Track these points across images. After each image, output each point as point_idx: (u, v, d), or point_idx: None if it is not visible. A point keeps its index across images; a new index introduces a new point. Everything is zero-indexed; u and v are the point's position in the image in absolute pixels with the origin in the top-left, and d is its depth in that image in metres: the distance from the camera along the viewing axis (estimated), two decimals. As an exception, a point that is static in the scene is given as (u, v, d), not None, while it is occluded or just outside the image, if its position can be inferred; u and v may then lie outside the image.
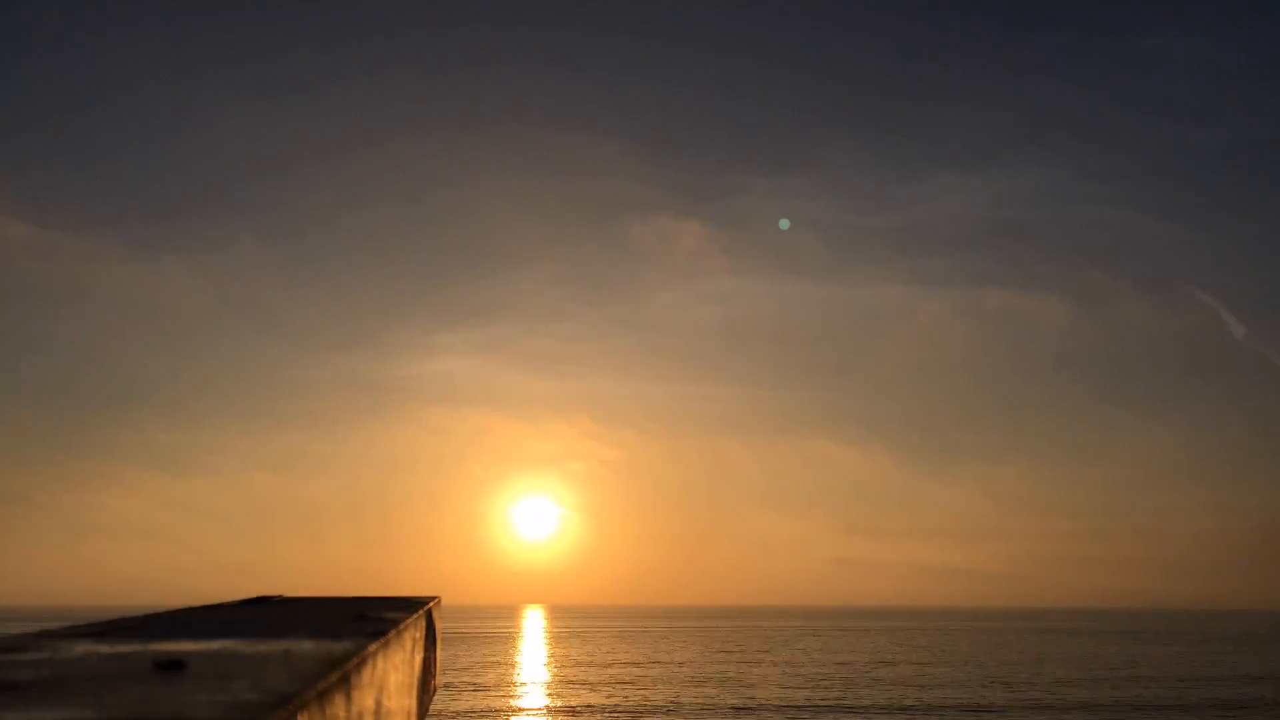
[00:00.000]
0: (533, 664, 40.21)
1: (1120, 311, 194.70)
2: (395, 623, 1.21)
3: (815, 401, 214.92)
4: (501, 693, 28.55)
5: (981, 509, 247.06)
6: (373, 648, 0.94)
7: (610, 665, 38.53)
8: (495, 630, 74.37)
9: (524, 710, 25.13)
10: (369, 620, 1.27)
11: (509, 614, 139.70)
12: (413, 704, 1.33)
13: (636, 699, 26.73)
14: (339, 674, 0.77)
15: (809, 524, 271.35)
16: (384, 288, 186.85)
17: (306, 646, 0.94)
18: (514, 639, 61.44)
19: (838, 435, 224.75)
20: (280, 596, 1.87)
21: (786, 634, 68.70)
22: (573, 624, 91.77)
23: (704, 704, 25.40)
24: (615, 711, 24.36)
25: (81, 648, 0.94)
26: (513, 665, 38.92)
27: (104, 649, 0.93)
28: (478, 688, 29.51)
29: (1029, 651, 49.34)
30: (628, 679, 32.72)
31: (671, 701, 25.99)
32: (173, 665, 0.80)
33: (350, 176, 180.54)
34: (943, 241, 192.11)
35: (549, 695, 28.33)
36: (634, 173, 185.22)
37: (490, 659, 41.66)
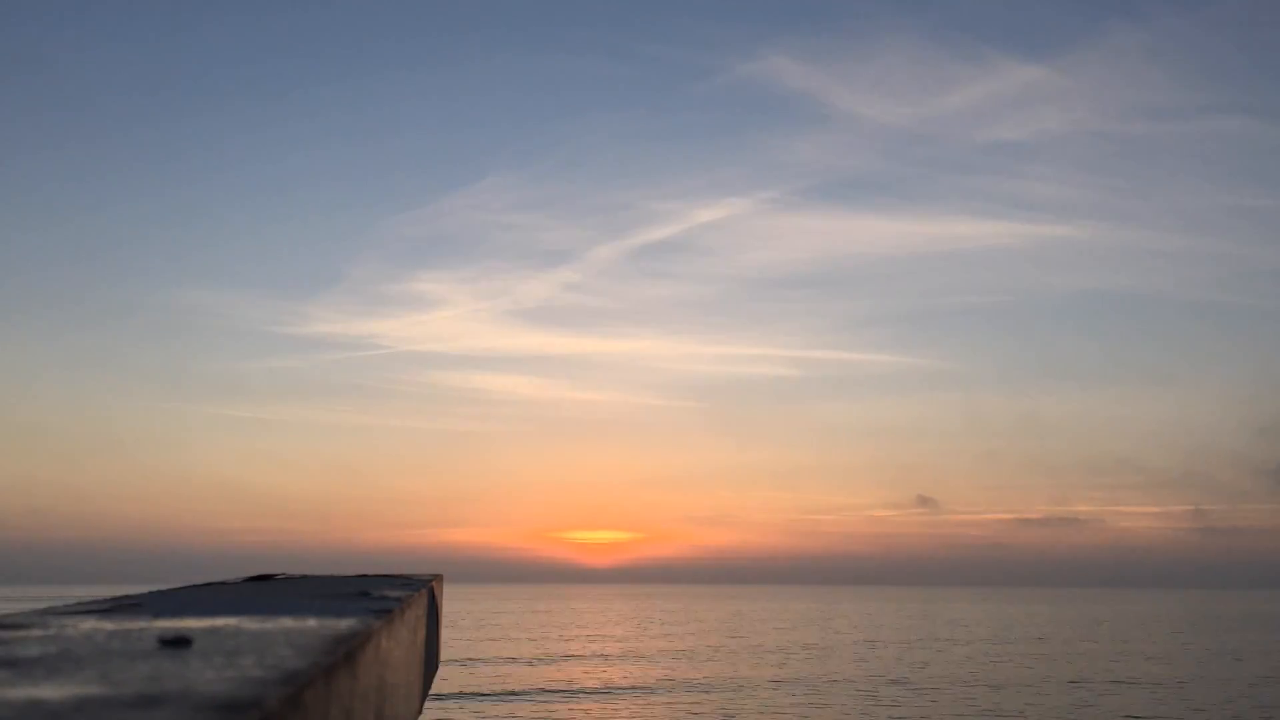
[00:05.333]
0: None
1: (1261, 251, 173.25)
2: (399, 601, 1.22)
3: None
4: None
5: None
6: (377, 625, 0.94)
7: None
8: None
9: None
10: (372, 598, 1.27)
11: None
12: (416, 681, 1.33)
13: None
14: (345, 651, 0.77)
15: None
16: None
17: (311, 624, 0.94)
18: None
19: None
20: (283, 575, 1.87)
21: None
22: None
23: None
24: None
25: (87, 625, 0.94)
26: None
27: (109, 626, 0.93)
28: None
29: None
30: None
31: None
32: (178, 642, 0.81)
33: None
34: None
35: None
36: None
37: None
